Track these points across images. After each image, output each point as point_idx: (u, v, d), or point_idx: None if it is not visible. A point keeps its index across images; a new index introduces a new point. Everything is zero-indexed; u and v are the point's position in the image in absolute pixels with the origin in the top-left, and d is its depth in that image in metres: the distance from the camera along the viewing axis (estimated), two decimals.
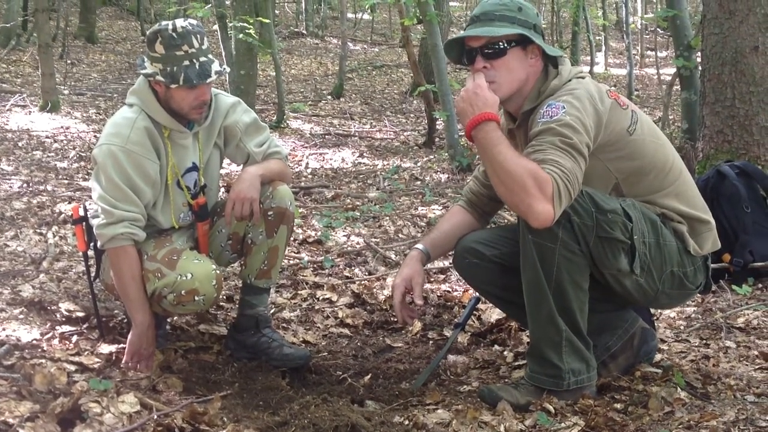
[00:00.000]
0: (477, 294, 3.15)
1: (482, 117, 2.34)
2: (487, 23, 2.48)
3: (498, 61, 2.48)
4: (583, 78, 2.51)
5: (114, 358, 2.85)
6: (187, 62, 2.66)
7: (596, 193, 2.38)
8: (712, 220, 2.62)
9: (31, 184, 6.10)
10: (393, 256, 4.59)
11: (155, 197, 2.79)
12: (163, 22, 2.72)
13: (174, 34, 2.65)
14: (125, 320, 3.08)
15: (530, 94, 2.53)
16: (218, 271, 2.76)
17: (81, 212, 2.96)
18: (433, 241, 2.84)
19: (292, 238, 2.99)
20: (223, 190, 3.23)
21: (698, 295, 3.10)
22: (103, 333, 3.02)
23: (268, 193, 2.88)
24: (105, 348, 2.91)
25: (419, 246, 2.82)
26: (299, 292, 3.91)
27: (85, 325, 3.18)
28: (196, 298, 2.69)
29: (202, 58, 2.68)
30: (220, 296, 2.77)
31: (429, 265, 4.38)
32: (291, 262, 4.28)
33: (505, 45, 2.47)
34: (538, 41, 2.48)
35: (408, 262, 2.79)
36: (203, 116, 2.81)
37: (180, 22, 2.68)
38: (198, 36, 2.68)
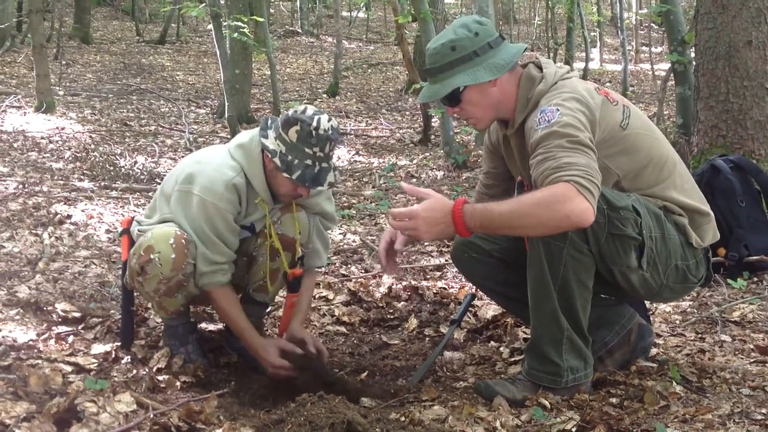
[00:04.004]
0: (473, 290, 3.15)
1: (457, 220, 2.25)
2: (433, 80, 2.52)
3: (461, 105, 2.52)
4: (569, 78, 2.50)
5: (111, 357, 2.86)
6: (309, 162, 2.65)
7: (606, 189, 2.36)
8: (711, 212, 2.62)
9: (26, 185, 6.09)
10: None
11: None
12: (309, 111, 2.67)
13: (314, 132, 2.63)
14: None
15: (518, 104, 2.52)
16: (180, 233, 2.70)
17: (132, 224, 2.96)
18: None
19: None
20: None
21: (698, 287, 3.09)
22: (128, 344, 2.96)
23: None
24: (101, 348, 2.92)
25: None
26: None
27: (81, 326, 3.18)
28: (152, 256, 2.67)
29: (324, 165, 2.68)
30: (183, 262, 2.69)
31: (425, 263, 4.41)
32: None
33: (456, 93, 2.49)
34: (478, 78, 2.45)
35: None
36: (291, 201, 2.84)
37: (325, 123, 2.65)
38: (332, 143, 2.68)
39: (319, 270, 3.05)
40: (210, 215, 2.69)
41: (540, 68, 2.53)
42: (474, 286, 3.12)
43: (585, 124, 2.33)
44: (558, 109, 2.33)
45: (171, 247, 2.67)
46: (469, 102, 2.51)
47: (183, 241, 2.69)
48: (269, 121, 2.75)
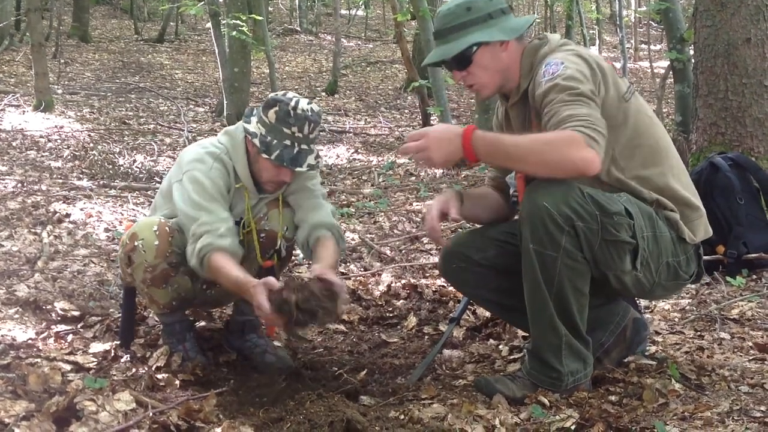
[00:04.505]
0: None
1: (466, 143, 2.28)
2: (444, 40, 2.51)
3: (470, 67, 2.50)
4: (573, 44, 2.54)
5: (111, 356, 2.86)
6: (288, 142, 2.65)
7: (598, 193, 2.34)
8: (703, 208, 2.62)
9: (25, 184, 6.09)
10: (388, 252, 4.59)
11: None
12: (290, 94, 2.70)
13: (291, 112, 2.64)
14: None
15: (522, 70, 2.52)
16: (164, 221, 2.73)
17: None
18: (468, 191, 2.78)
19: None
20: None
21: (690, 285, 3.09)
22: (127, 343, 2.96)
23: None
24: (100, 347, 2.92)
25: (455, 187, 2.78)
26: None
27: (80, 324, 3.18)
28: (136, 243, 2.70)
29: (304, 146, 2.67)
30: (168, 250, 2.70)
31: (424, 260, 4.41)
32: None
33: (467, 52, 2.47)
34: (494, 36, 2.47)
35: (443, 192, 2.73)
36: (275, 190, 2.83)
37: (303, 104, 2.66)
38: (311, 124, 2.67)
39: (321, 227, 2.83)
40: (200, 182, 2.67)
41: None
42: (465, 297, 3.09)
43: (588, 77, 2.34)
44: (562, 62, 2.35)
45: (154, 234, 2.69)
46: (479, 64, 2.49)
47: (167, 228, 2.71)
48: (254, 110, 2.78)
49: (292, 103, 2.65)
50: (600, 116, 2.28)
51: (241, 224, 2.83)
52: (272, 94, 2.73)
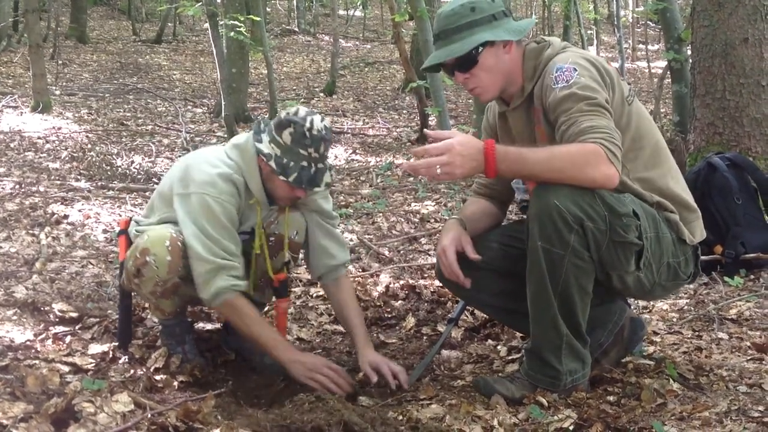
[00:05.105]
0: None
1: (489, 159, 2.25)
2: (447, 41, 2.48)
3: (474, 69, 2.48)
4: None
5: (109, 357, 2.86)
6: (305, 163, 2.62)
7: (608, 194, 2.32)
8: (698, 210, 2.63)
9: (23, 185, 6.08)
10: (386, 253, 4.59)
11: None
12: (301, 112, 2.65)
13: (307, 134, 2.61)
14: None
15: (525, 74, 2.52)
16: (175, 236, 2.68)
17: (130, 225, 2.97)
18: (465, 215, 2.75)
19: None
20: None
21: (687, 285, 3.10)
22: (125, 344, 2.94)
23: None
24: (98, 348, 2.92)
25: (454, 217, 2.75)
26: (293, 289, 3.91)
27: (78, 326, 3.18)
28: (148, 258, 2.66)
29: (320, 165, 2.65)
30: (179, 265, 2.67)
31: (422, 261, 4.41)
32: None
33: (473, 53, 2.45)
34: (501, 36, 2.46)
35: (449, 227, 2.68)
36: (288, 204, 2.82)
37: (318, 123, 2.63)
38: (326, 143, 2.65)
39: (342, 267, 2.97)
40: (212, 210, 2.63)
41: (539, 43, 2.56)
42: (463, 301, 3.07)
43: (600, 83, 2.35)
44: (576, 69, 2.35)
45: (167, 250, 2.66)
46: (482, 66, 2.47)
47: (179, 243, 2.67)
48: (262, 125, 2.73)
49: (308, 124, 2.61)
50: (615, 127, 2.29)
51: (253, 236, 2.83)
52: (284, 113, 2.68)
